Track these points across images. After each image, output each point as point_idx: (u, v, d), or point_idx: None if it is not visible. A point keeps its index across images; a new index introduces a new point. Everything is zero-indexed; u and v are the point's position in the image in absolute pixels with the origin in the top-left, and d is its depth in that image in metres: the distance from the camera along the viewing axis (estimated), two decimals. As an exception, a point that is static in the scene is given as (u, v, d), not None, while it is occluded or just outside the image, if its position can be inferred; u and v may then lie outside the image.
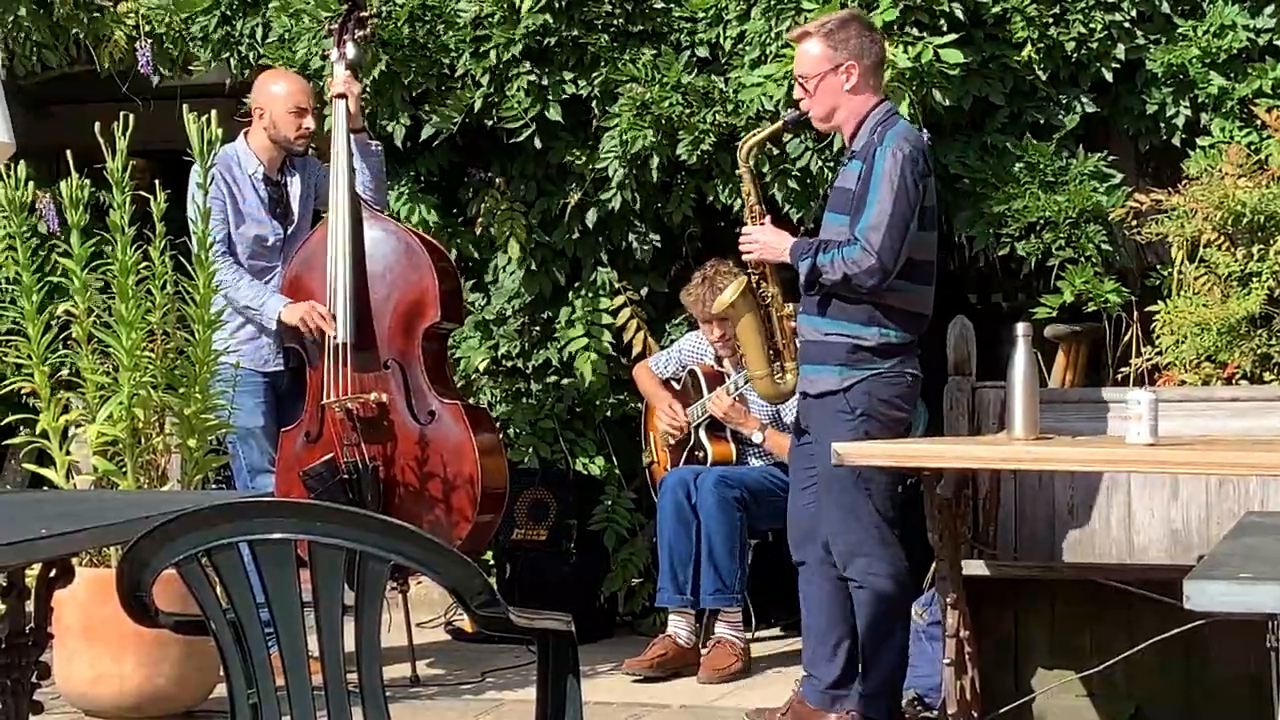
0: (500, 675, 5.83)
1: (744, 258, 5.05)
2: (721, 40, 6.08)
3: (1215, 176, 5.59)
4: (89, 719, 5.24)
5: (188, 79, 7.09)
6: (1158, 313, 5.60)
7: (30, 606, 3.38)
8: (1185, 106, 5.94)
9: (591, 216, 6.38)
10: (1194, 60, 5.88)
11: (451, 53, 6.20)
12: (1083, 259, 5.75)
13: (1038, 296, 5.98)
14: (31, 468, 5.68)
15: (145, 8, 6.94)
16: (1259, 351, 5.40)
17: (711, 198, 6.21)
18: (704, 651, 5.86)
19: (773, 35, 5.83)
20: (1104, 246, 5.75)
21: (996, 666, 4.87)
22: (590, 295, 6.53)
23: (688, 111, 5.95)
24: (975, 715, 4.66)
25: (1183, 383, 5.43)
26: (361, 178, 5.79)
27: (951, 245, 5.98)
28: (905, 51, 5.56)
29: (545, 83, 6.14)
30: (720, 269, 5.89)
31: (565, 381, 6.70)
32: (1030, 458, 4.49)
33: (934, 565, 4.74)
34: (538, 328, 6.72)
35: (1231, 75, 5.90)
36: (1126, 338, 5.76)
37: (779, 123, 5.13)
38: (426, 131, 6.33)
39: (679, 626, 5.89)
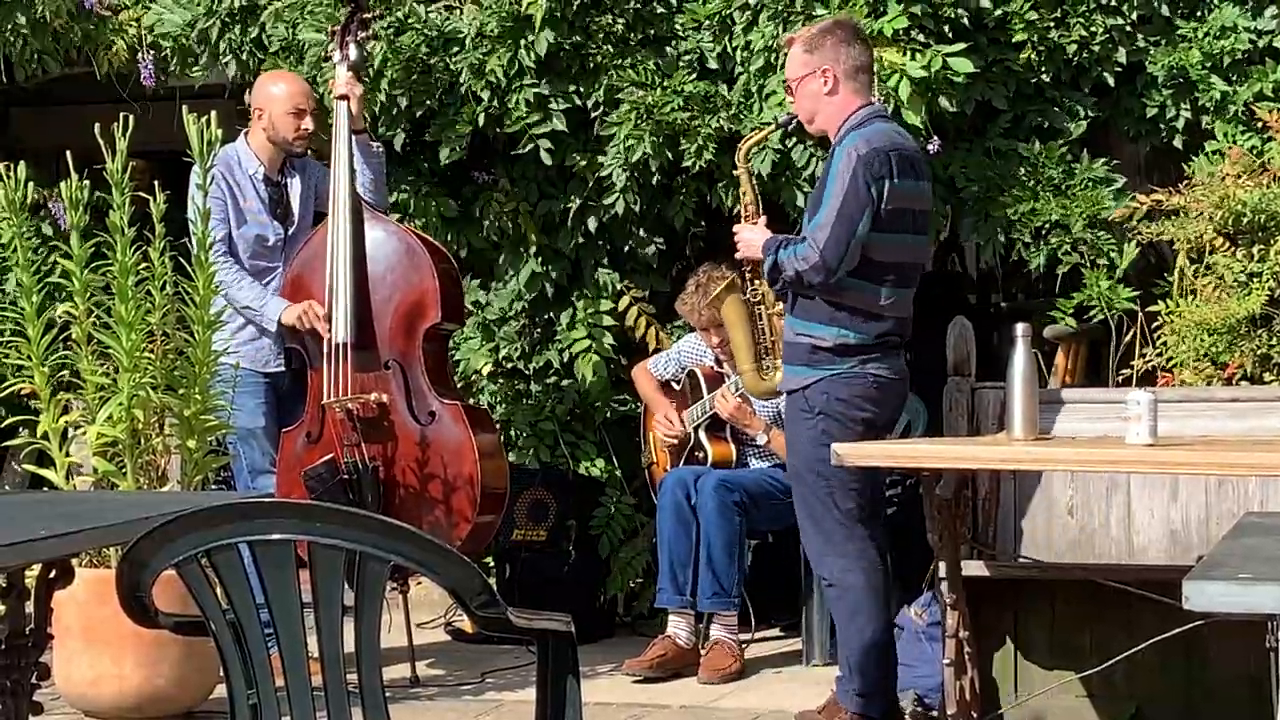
0: (500, 676, 5.83)
1: (736, 255, 5.12)
2: (728, 48, 6.08)
3: (1217, 177, 5.59)
4: (89, 720, 5.25)
5: (187, 80, 7.09)
6: (1159, 313, 5.61)
7: (30, 607, 3.38)
8: (1186, 109, 5.94)
9: (593, 221, 6.39)
10: (1195, 63, 5.88)
11: (453, 71, 6.20)
12: (1092, 265, 5.77)
13: (1041, 298, 5.98)
14: (31, 469, 5.68)
15: (147, 16, 6.92)
16: (1259, 352, 5.40)
17: (716, 202, 6.22)
18: (702, 653, 5.86)
19: (781, 43, 5.84)
20: (1113, 254, 5.77)
21: (996, 667, 4.87)
22: (592, 297, 6.54)
23: (689, 117, 5.95)
24: (975, 715, 4.66)
25: (1182, 383, 5.43)
26: (362, 179, 5.80)
27: (954, 247, 5.99)
28: (915, 59, 5.57)
29: (548, 93, 6.14)
30: (713, 274, 5.90)
31: (566, 383, 6.70)
32: (1030, 458, 4.49)
33: (933, 565, 4.74)
34: (539, 329, 6.72)
35: (1233, 78, 5.90)
36: (1128, 337, 5.76)
37: (774, 125, 5.31)
38: (444, 156, 6.31)
39: (679, 627, 5.89)
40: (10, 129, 8.62)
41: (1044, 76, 5.95)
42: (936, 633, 4.83)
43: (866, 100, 4.87)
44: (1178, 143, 5.98)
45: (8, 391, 5.47)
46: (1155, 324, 5.66)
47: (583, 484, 6.68)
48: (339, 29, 5.88)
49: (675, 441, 6.15)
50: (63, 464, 5.35)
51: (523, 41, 6.06)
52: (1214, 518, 5.08)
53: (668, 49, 6.17)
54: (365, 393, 5.63)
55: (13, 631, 3.34)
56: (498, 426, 6.32)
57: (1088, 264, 5.80)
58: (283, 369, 5.86)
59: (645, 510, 6.52)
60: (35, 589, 3.39)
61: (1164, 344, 5.57)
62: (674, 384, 6.25)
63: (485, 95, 6.16)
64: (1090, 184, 5.85)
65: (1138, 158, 6.23)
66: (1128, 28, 5.93)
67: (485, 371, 6.71)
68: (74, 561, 3.54)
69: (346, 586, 2.62)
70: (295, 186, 5.93)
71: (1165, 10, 5.97)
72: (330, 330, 5.65)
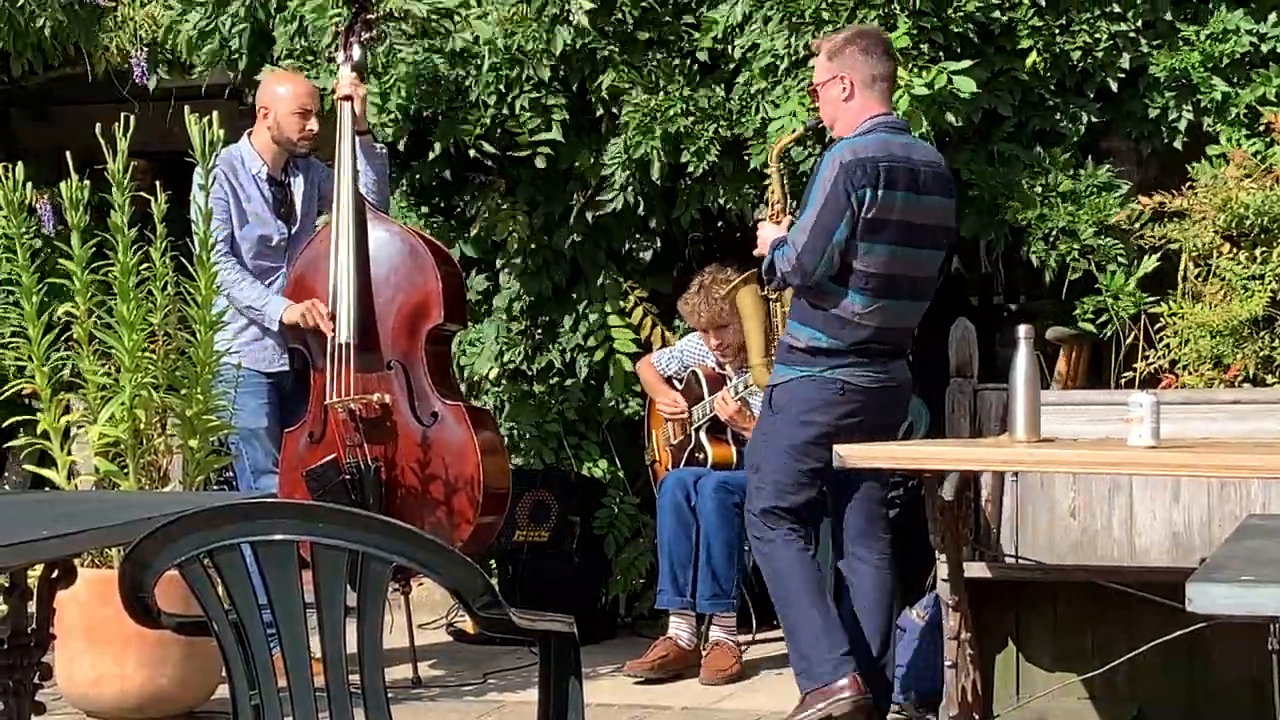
0: (502, 677, 5.83)
1: (755, 251, 5.16)
2: (733, 52, 6.07)
3: (1220, 180, 5.59)
4: (90, 720, 5.25)
5: (189, 80, 7.10)
6: (1162, 315, 5.61)
7: (32, 607, 3.38)
8: (1188, 111, 5.94)
9: (590, 214, 6.39)
10: (1196, 65, 5.88)
11: (459, 80, 6.21)
12: (1100, 269, 5.78)
13: (1045, 300, 5.99)
14: (33, 469, 5.68)
15: (161, 18, 6.92)
16: (1262, 354, 5.41)
17: (718, 206, 6.21)
18: (703, 654, 5.86)
19: (790, 50, 5.84)
20: (1120, 259, 5.78)
21: (998, 669, 4.86)
22: (599, 300, 6.55)
23: (693, 121, 5.96)
24: (977, 717, 4.66)
25: (1183, 385, 5.43)
26: (365, 179, 5.79)
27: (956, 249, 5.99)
28: (920, 77, 5.58)
29: (550, 103, 6.14)
30: (718, 276, 5.91)
31: (570, 383, 6.70)
32: (1032, 460, 4.49)
33: (935, 567, 4.74)
34: (540, 330, 6.72)
35: (1235, 80, 5.90)
36: (1130, 339, 5.76)
37: (804, 128, 5.41)
38: (435, 150, 6.32)
39: (680, 628, 5.90)
40: (10, 129, 8.62)
41: (1049, 84, 5.96)
42: (938, 634, 4.82)
43: (882, 109, 4.92)
44: (1179, 144, 5.98)
45: (9, 392, 5.46)
46: (1158, 325, 5.66)
47: (585, 485, 6.68)
48: (343, 30, 5.88)
49: (681, 420, 6.15)
50: (64, 464, 5.35)
51: (540, 46, 6.06)
52: (1216, 520, 5.08)
53: (674, 51, 6.17)
54: (368, 393, 5.63)
55: (15, 631, 3.34)
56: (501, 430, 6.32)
57: (1095, 269, 5.80)
58: (286, 369, 5.86)
59: (648, 511, 6.52)
60: (37, 589, 3.39)
61: (1166, 346, 5.57)
62: (676, 381, 6.25)
63: (492, 101, 6.16)
64: (1096, 190, 5.86)
65: (1139, 160, 6.23)
66: (1131, 33, 5.94)
67: (491, 376, 6.71)
68: (76, 562, 3.54)
69: (349, 587, 2.62)
70: (299, 186, 5.92)
71: (1168, 15, 5.97)
72: (334, 329, 5.65)
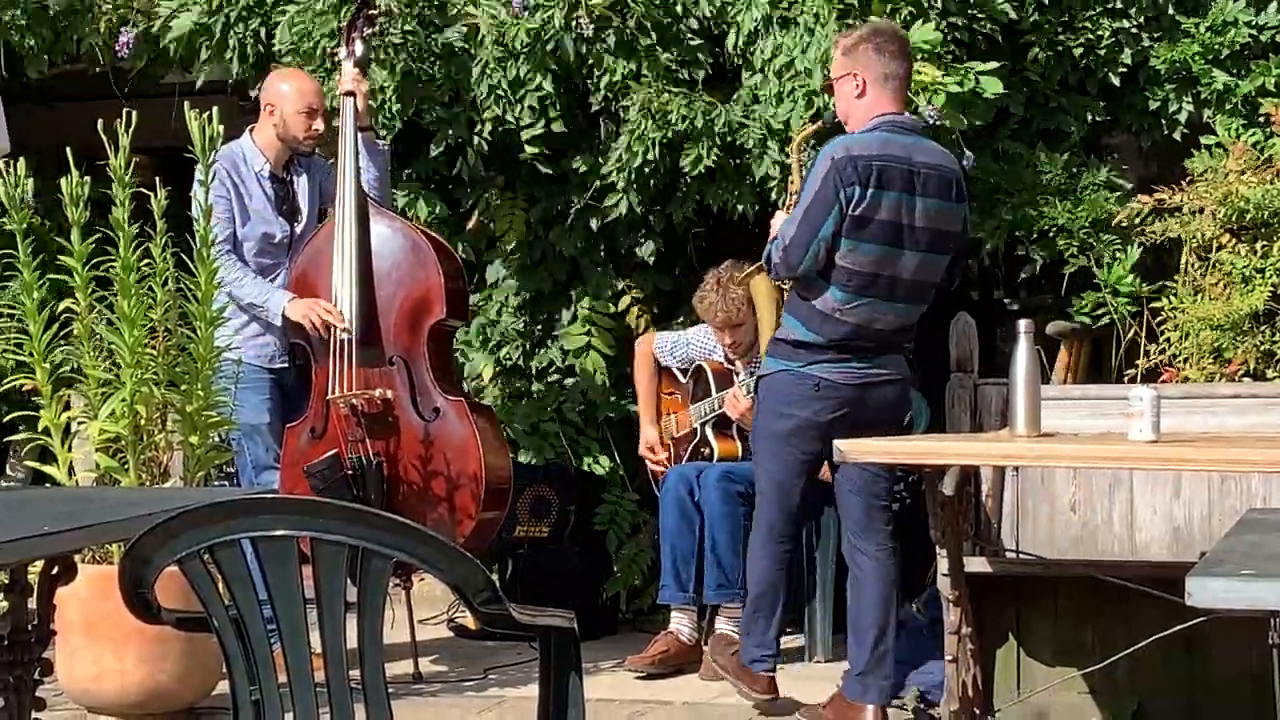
0: (503, 672, 5.83)
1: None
2: (733, 52, 6.06)
3: (1220, 173, 5.59)
4: (92, 715, 5.24)
5: (189, 76, 7.09)
6: (1163, 309, 5.61)
7: (33, 603, 3.38)
8: (1188, 102, 5.95)
9: (595, 221, 6.39)
10: (1195, 56, 5.88)
11: (456, 80, 6.20)
12: (1098, 265, 5.78)
13: (1041, 296, 5.99)
14: (34, 465, 5.68)
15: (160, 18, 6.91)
16: (1263, 348, 5.40)
17: (718, 205, 6.21)
18: (706, 648, 5.86)
19: (788, 48, 5.83)
20: (1116, 254, 5.78)
21: (998, 664, 4.86)
22: (594, 296, 6.55)
23: (694, 120, 5.95)
24: (977, 712, 4.66)
25: (1186, 379, 5.43)
26: (367, 175, 5.79)
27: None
28: (949, 76, 5.58)
29: (549, 100, 6.14)
30: (735, 274, 5.89)
31: (569, 382, 6.70)
32: (1032, 454, 4.48)
33: (936, 562, 4.74)
34: (539, 328, 6.72)
35: (1235, 71, 5.90)
36: (1130, 334, 5.75)
37: (821, 122, 5.37)
38: (433, 148, 6.31)
39: (681, 623, 5.90)
40: (10, 125, 8.61)
41: (1053, 81, 5.96)
42: (939, 630, 4.82)
43: (893, 108, 4.92)
44: (1178, 136, 5.98)
45: (9, 387, 5.46)
46: (1159, 319, 5.66)
47: (586, 480, 6.68)
48: (345, 26, 5.87)
49: (657, 468, 6.20)
50: (65, 460, 5.35)
51: (544, 51, 6.06)
52: (1217, 514, 5.08)
53: (674, 50, 6.16)
54: (369, 389, 5.63)
55: (15, 627, 3.34)
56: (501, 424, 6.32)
57: (1093, 265, 5.81)
58: (287, 365, 5.86)
59: (647, 507, 6.52)
60: (38, 585, 3.39)
61: (1167, 340, 5.57)
62: (680, 373, 6.25)
63: (491, 103, 6.16)
64: (1095, 188, 5.87)
65: (1141, 154, 6.23)
66: (1133, 29, 5.94)
67: (488, 375, 6.71)
68: (76, 557, 3.53)
69: (349, 582, 2.62)
70: (302, 184, 5.92)
71: (1170, 10, 5.97)
72: (341, 323, 5.64)
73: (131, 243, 5.21)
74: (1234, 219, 5.48)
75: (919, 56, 5.47)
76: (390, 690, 2.68)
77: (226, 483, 6.19)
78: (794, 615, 6.18)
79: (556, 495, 6.57)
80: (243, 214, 5.77)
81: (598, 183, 6.27)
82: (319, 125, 5.82)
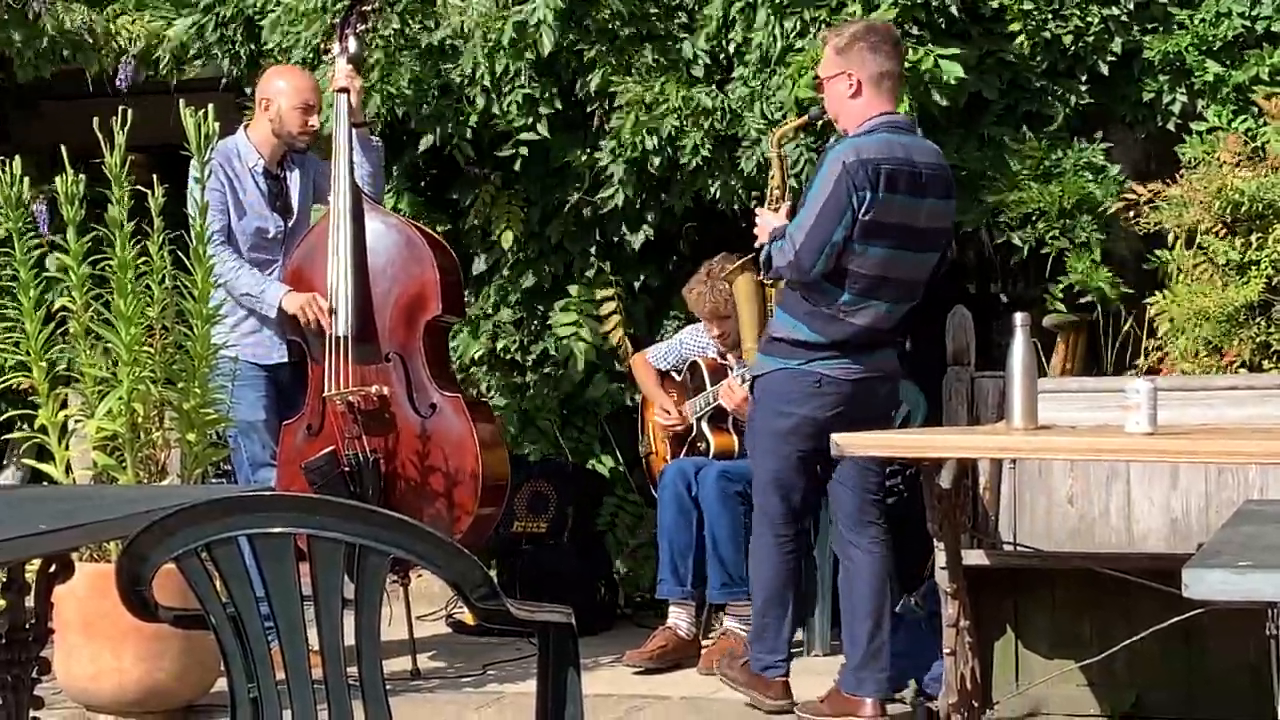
0: (501, 668, 5.83)
1: (756, 242, 5.18)
2: (725, 46, 6.06)
3: (1213, 165, 5.59)
4: (90, 714, 5.24)
5: (182, 75, 7.09)
6: (1157, 301, 5.61)
7: (30, 602, 3.38)
8: (1182, 93, 5.95)
9: (589, 213, 6.39)
10: (1189, 47, 5.89)
11: (445, 75, 6.20)
12: (1075, 247, 5.77)
13: (1036, 288, 5.98)
14: (31, 463, 5.67)
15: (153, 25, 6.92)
16: (1258, 340, 5.41)
17: (711, 198, 6.21)
18: (706, 643, 5.86)
19: (784, 39, 5.82)
20: (1095, 236, 5.77)
21: (997, 656, 4.87)
22: (585, 286, 6.55)
23: (685, 115, 5.95)
24: (976, 704, 4.66)
25: (1181, 371, 5.43)
26: (361, 171, 5.79)
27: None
28: (909, 55, 5.58)
29: (539, 96, 6.14)
30: (727, 265, 5.89)
31: (562, 374, 6.70)
32: (1029, 447, 4.48)
33: (933, 555, 4.74)
34: (535, 321, 6.72)
35: (1228, 62, 5.91)
36: (1125, 327, 5.75)
37: (805, 116, 5.37)
38: (424, 143, 6.31)
39: (680, 618, 5.90)
40: (5, 125, 8.61)
41: (1039, 67, 5.96)
42: (937, 623, 4.83)
43: (888, 108, 4.92)
44: (1172, 126, 5.98)
45: (6, 385, 5.46)
46: (1155, 312, 5.65)
47: (585, 477, 6.68)
48: (338, 22, 5.87)
49: (678, 430, 6.16)
50: (62, 458, 5.35)
51: (526, 44, 6.05)
52: (1214, 506, 5.09)
53: (665, 45, 6.15)
54: (366, 385, 5.63)
55: (13, 626, 3.34)
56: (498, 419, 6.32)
57: (1077, 249, 5.80)
58: (284, 361, 5.86)
59: (646, 502, 6.52)
60: (35, 583, 3.39)
61: (1164, 335, 5.56)
62: (674, 373, 6.25)
63: (480, 99, 6.16)
64: (1077, 169, 5.85)
65: (1135, 144, 6.23)
66: (1123, 17, 5.94)
67: (477, 357, 6.71)
68: (74, 556, 3.53)
69: (347, 579, 2.62)
70: (294, 180, 5.92)
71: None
72: (333, 323, 5.65)
73: (128, 241, 5.21)
74: (1228, 212, 5.48)
75: None
76: (388, 687, 2.68)
77: (223, 480, 6.19)
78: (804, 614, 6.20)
79: (554, 490, 6.57)
80: (237, 209, 5.77)
81: (588, 175, 6.27)
82: (314, 122, 5.82)
